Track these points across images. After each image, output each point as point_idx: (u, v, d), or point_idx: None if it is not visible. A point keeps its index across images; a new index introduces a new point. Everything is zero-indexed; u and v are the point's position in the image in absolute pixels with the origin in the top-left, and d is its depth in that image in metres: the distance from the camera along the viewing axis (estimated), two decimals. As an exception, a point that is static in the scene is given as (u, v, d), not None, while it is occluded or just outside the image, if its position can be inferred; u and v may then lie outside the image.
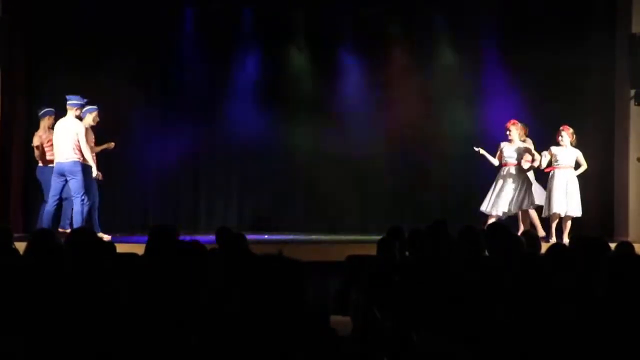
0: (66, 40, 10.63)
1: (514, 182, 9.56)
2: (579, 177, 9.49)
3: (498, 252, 4.59)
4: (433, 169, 11.39)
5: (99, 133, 9.48)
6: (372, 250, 5.74)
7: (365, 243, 8.90)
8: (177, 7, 11.22)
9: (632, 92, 9.98)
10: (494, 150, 9.79)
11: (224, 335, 2.83)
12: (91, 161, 8.94)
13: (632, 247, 5.09)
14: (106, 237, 8.48)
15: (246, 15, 11.48)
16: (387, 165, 11.57)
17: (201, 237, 6.97)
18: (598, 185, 10.32)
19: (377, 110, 11.63)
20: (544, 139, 9.73)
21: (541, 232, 9.44)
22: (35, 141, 9.32)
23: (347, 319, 4.74)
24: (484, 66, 11.30)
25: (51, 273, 3.83)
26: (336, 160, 11.49)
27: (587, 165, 9.50)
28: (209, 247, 4.33)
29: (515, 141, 9.61)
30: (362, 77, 11.67)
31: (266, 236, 10.25)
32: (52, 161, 9.10)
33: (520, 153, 9.60)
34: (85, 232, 4.46)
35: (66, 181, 8.84)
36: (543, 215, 9.60)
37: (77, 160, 8.80)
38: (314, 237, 10.48)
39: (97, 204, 9.23)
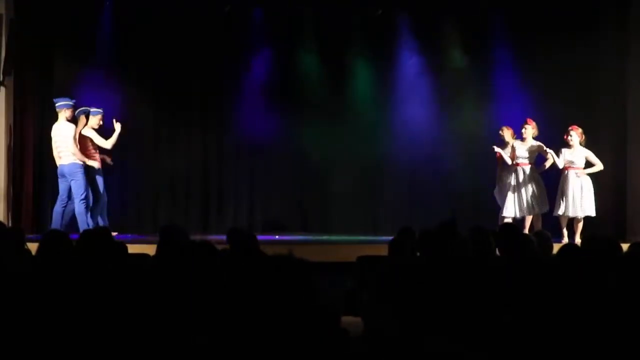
0: (77, 41, 10.67)
1: (528, 183, 9.54)
2: (592, 177, 9.47)
3: (509, 253, 4.59)
4: (444, 170, 11.37)
5: (108, 134, 9.53)
6: (383, 251, 5.74)
7: (376, 244, 8.92)
8: (185, 8, 11.24)
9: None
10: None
11: (234, 335, 2.84)
12: (87, 160, 9.01)
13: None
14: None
15: (256, 15, 11.49)
16: (398, 165, 11.56)
17: (212, 238, 7.03)
18: (611, 186, 10.29)
19: (387, 111, 11.63)
20: (556, 140, 9.71)
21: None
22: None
23: (358, 319, 4.74)
24: (494, 67, 11.28)
25: (62, 274, 3.85)
26: (346, 161, 11.50)
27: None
28: (219, 247, 4.35)
29: (528, 140, 9.60)
30: (373, 78, 11.66)
31: (277, 237, 10.28)
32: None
33: (533, 153, 9.58)
34: (97, 234, 4.49)
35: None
36: (554, 215, 9.58)
37: (76, 161, 8.88)
38: (324, 237, 10.49)
39: (105, 204, 9.26)
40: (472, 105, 11.25)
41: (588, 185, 9.39)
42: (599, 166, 9.44)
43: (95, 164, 9.15)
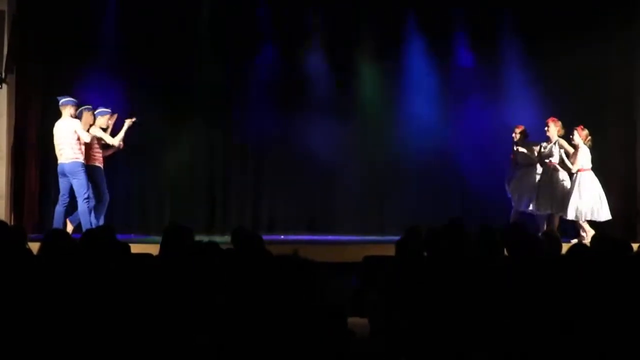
0: (80, 38, 10.69)
1: (555, 182, 9.54)
2: (601, 177, 9.46)
3: (517, 253, 4.59)
4: (453, 169, 11.36)
5: (113, 134, 9.57)
6: (390, 251, 5.75)
7: (382, 243, 8.92)
8: (191, 6, 11.26)
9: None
10: (509, 150, 9.85)
11: (239, 335, 2.86)
12: (89, 160, 9.08)
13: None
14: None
15: (261, 13, 11.50)
16: (405, 165, 11.54)
17: (217, 238, 7.05)
18: (621, 187, 10.26)
19: (395, 110, 11.62)
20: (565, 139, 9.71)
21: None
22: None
23: (365, 320, 4.76)
24: (502, 65, 11.27)
25: (64, 274, 3.87)
26: (353, 160, 11.50)
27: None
28: (224, 247, 4.36)
29: (553, 140, 9.56)
30: (381, 76, 11.66)
31: (282, 237, 10.29)
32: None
33: (550, 152, 9.54)
34: (100, 233, 4.51)
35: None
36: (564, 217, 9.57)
37: (77, 160, 8.91)
38: (330, 237, 10.50)
39: (106, 202, 9.28)
40: (480, 104, 11.24)
41: (591, 186, 9.33)
42: (574, 166, 9.35)
43: (98, 164, 9.20)
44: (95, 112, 9.31)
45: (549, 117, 9.80)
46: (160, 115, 11.15)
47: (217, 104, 11.48)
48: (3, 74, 9.82)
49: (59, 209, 9.00)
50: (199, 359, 3.04)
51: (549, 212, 9.57)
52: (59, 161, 8.98)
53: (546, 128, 9.61)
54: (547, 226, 9.44)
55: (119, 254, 4.33)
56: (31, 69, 10.40)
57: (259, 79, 11.49)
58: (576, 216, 9.29)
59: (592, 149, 9.43)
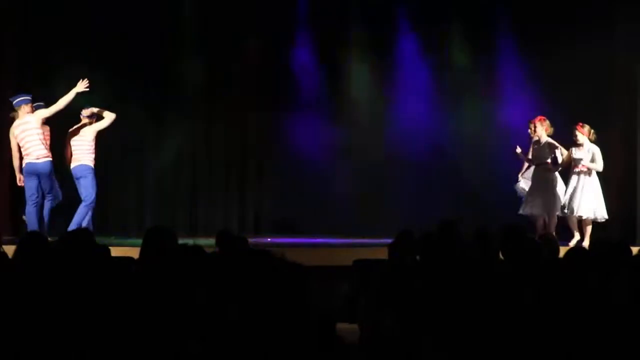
0: (59, 38, 10.62)
1: (541, 183, 9.53)
2: (600, 178, 9.45)
3: (514, 256, 4.56)
4: (448, 169, 11.36)
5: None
6: (381, 254, 5.71)
7: (373, 246, 8.88)
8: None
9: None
10: (509, 150, 9.82)
11: (223, 341, 2.81)
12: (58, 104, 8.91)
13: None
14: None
15: (255, 6, 11.44)
16: (399, 165, 11.53)
17: (201, 241, 6.99)
18: (621, 188, 10.27)
19: (387, 110, 11.61)
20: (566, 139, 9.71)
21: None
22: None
23: (355, 326, 4.71)
24: (500, 63, 11.27)
25: (40, 278, 3.81)
26: (343, 161, 11.49)
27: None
28: (209, 250, 4.31)
29: (542, 139, 9.56)
30: (372, 75, 11.63)
31: (269, 239, 10.25)
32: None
33: (544, 152, 9.53)
34: (78, 236, 4.44)
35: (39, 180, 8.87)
36: (561, 214, 9.57)
37: (50, 159, 8.85)
38: (319, 240, 10.47)
39: (53, 205, 9.22)
40: (478, 103, 11.23)
41: (592, 185, 9.34)
42: (598, 166, 9.37)
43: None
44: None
45: (549, 116, 9.79)
46: (142, 114, 11.10)
47: (201, 102, 11.44)
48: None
49: (30, 209, 8.91)
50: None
51: (542, 214, 9.55)
52: (29, 160, 8.85)
53: (532, 128, 9.56)
54: (545, 229, 9.43)
55: (98, 257, 4.26)
56: (8, 72, 10.31)
57: (242, 72, 11.44)
58: (594, 214, 9.30)
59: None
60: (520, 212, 9.61)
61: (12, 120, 8.97)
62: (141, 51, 10.90)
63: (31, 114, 8.88)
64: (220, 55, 11.39)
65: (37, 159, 8.81)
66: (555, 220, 9.52)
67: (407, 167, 11.46)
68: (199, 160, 11.63)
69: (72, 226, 8.73)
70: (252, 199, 11.75)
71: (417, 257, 5.08)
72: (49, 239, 4.66)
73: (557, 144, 9.52)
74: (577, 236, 9.34)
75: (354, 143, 11.48)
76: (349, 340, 3.15)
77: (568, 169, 9.54)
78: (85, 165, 9.07)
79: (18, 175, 8.96)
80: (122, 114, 10.01)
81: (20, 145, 8.91)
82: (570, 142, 9.54)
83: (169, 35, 11.12)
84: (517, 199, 9.94)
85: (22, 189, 9.14)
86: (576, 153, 9.40)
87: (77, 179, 9.09)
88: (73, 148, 9.16)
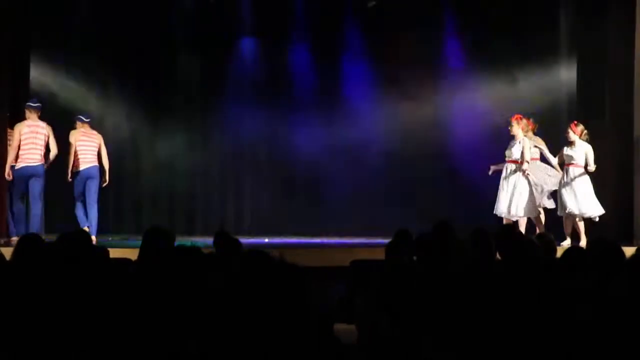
0: (51, 41, 10.63)
1: (516, 183, 9.55)
2: (595, 177, 9.49)
3: (510, 256, 4.60)
4: (443, 168, 11.38)
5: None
6: (378, 255, 5.74)
7: (371, 247, 8.92)
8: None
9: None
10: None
11: (222, 342, 2.84)
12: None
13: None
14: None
15: (244, 6, 11.48)
16: (396, 163, 11.54)
17: (198, 241, 7.02)
18: (617, 187, 10.29)
19: (382, 108, 11.63)
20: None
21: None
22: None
23: (352, 327, 4.75)
24: (496, 59, 11.30)
25: (38, 280, 3.84)
26: (340, 160, 11.50)
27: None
28: (206, 251, 4.34)
29: (518, 137, 9.58)
30: (368, 72, 11.66)
31: (266, 240, 10.27)
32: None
33: (517, 151, 9.55)
34: (78, 238, 4.47)
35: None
36: (559, 214, 9.61)
37: (43, 163, 8.96)
38: (317, 241, 10.49)
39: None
40: (472, 101, 11.25)
41: (582, 183, 9.38)
42: (590, 166, 9.41)
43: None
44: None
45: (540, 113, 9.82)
46: (136, 113, 11.11)
47: (195, 101, 11.47)
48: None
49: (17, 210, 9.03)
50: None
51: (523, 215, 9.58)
52: (27, 163, 8.93)
53: (510, 127, 9.59)
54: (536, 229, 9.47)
55: (96, 259, 4.29)
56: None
57: (240, 74, 11.48)
58: (579, 211, 9.34)
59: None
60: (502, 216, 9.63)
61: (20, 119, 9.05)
62: (137, 51, 10.92)
63: (42, 122, 9.00)
64: (214, 54, 11.40)
65: (37, 162, 8.93)
66: (538, 220, 9.58)
67: (406, 167, 11.47)
68: (195, 161, 11.63)
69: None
70: (249, 199, 11.76)
71: (415, 257, 5.12)
72: (45, 239, 4.69)
73: (530, 143, 9.53)
74: (568, 240, 9.35)
75: (352, 142, 11.49)
76: (346, 341, 3.18)
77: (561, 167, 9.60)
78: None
79: (8, 170, 9.01)
80: (118, 113, 10.07)
81: (27, 144, 9.00)
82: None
83: (162, 31, 11.12)
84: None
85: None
86: (567, 151, 9.46)
87: (92, 178, 9.18)
88: (85, 150, 9.23)
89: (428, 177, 11.39)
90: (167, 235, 4.35)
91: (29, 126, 9.04)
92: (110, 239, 9.77)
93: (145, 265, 4.14)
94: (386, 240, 5.55)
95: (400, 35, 11.47)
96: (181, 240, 4.57)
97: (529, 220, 9.65)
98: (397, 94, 11.51)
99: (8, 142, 9.22)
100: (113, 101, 11.05)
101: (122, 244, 9.07)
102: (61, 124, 9.41)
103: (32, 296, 3.60)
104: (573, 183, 9.38)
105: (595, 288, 3.86)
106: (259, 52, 11.59)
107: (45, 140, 9.00)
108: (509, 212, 9.46)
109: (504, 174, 9.61)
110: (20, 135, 8.99)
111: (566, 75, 11.18)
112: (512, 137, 9.54)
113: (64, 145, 9.15)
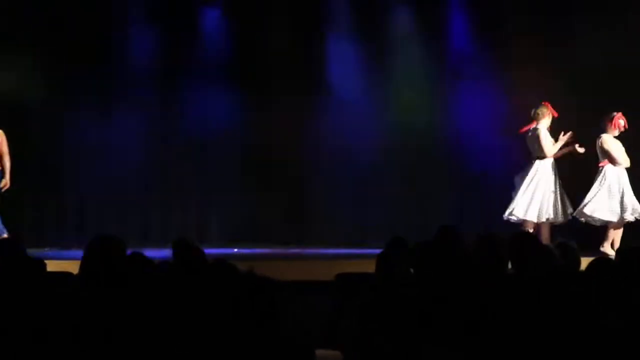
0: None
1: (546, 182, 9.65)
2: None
3: (524, 267, 4.62)
4: (445, 166, 11.42)
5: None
6: (368, 267, 5.76)
7: (359, 258, 8.95)
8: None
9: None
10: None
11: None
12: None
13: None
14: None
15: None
16: (389, 161, 11.56)
17: (154, 251, 7.02)
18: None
19: (375, 97, 11.64)
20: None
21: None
22: None
23: (337, 353, 4.77)
24: (497, 55, 11.35)
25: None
26: (325, 156, 11.51)
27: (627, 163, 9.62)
28: (163, 262, 4.34)
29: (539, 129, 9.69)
30: (356, 56, 11.65)
31: (235, 250, 10.27)
32: None
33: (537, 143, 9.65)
34: (6, 247, 4.47)
35: None
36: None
37: None
38: (296, 250, 10.51)
39: None
40: (474, 97, 11.29)
41: (599, 184, 9.50)
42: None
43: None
44: None
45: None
46: (81, 101, 11.10)
47: (154, 86, 11.43)
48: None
49: None
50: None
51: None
52: None
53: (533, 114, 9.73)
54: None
55: (30, 272, 4.28)
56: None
57: (207, 55, 11.46)
58: (591, 214, 9.47)
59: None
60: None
61: None
62: (82, 32, 10.95)
63: None
64: (177, 33, 11.40)
65: None
66: (544, 226, 9.68)
67: (402, 165, 11.49)
68: (152, 155, 11.58)
69: None
70: (216, 202, 11.74)
71: (411, 270, 5.13)
72: None
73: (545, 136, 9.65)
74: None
75: (340, 135, 11.47)
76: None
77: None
78: None
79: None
80: (57, 101, 10.03)
81: None
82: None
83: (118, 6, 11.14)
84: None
85: None
86: None
87: None
88: None
89: (428, 177, 11.41)
90: (115, 244, 4.34)
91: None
92: (47, 249, 9.74)
93: (88, 279, 4.14)
94: (377, 251, 5.57)
95: (397, 9, 11.52)
96: (133, 250, 4.55)
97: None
98: (389, 79, 11.53)
99: None
100: (52, 87, 11.00)
101: (62, 255, 9.04)
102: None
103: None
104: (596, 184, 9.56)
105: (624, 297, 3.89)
106: (230, 30, 11.58)
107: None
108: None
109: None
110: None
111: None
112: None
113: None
